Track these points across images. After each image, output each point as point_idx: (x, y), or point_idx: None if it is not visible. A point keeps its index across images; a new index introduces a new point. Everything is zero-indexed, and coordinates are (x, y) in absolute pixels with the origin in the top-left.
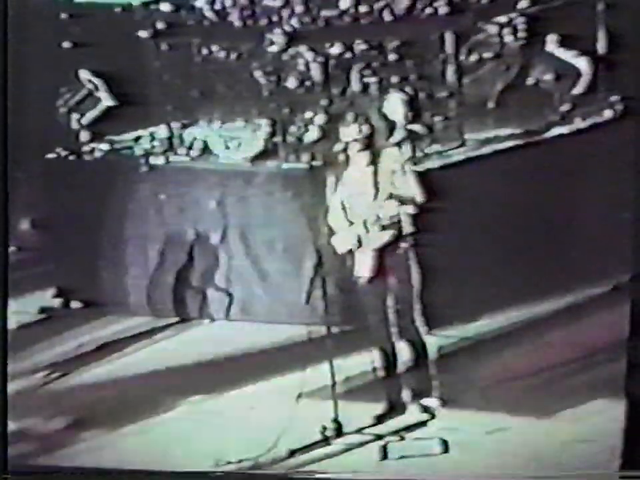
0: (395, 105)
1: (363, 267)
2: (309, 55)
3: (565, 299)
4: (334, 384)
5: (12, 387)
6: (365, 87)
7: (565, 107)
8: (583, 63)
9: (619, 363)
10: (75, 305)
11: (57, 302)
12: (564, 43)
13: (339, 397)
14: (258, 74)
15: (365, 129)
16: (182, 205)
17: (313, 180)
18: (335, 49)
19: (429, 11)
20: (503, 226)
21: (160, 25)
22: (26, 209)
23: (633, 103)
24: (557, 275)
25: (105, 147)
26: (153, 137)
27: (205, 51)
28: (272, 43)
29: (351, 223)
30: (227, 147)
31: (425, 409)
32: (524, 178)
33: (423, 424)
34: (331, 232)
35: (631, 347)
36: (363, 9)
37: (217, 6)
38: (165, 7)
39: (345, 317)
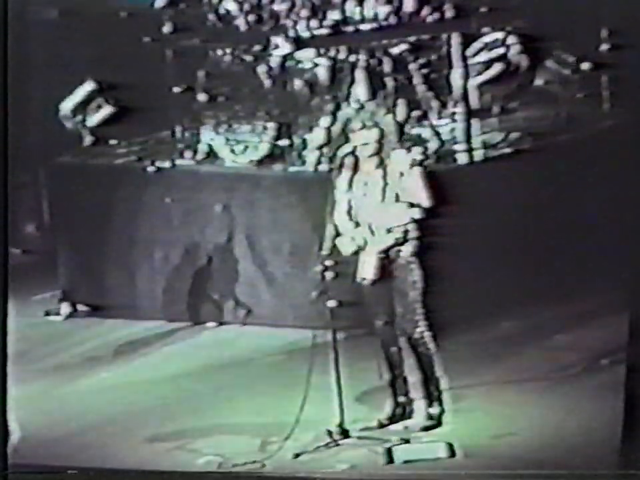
0: (401, 109)
1: (367, 269)
2: (316, 59)
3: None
4: (340, 388)
5: (16, 391)
6: (373, 91)
7: (569, 111)
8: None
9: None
10: (81, 308)
11: (63, 306)
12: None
13: (345, 400)
14: (264, 78)
15: (374, 132)
16: (188, 208)
17: (318, 183)
18: (341, 53)
19: (435, 15)
20: (507, 233)
21: (166, 30)
22: (31, 212)
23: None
24: (562, 280)
25: (109, 151)
26: (158, 141)
27: (211, 55)
28: (278, 47)
29: (357, 225)
30: (233, 151)
31: (431, 414)
32: (530, 182)
33: (429, 428)
34: (337, 234)
35: (631, 351)
36: (368, 13)
37: (222, 10)
38: (171, 12)
39: (351, 321)
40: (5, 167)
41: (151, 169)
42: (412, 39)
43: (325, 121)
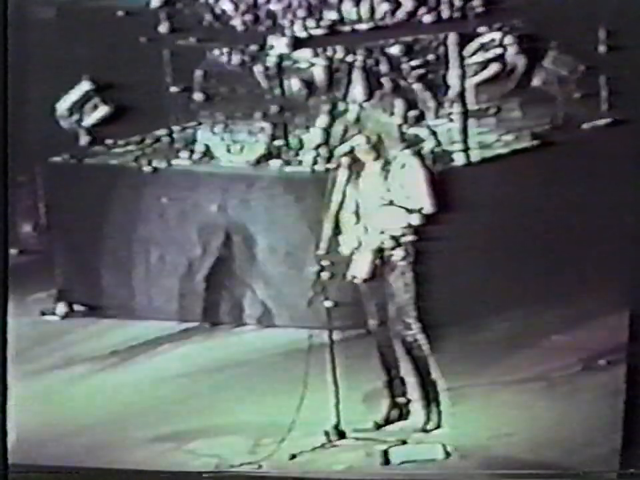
0: (399, 109)
1: (359, 268)
2: (312, 59)
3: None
4: (337, 389)
5: (16, 390)
6: (370, 91)
7: (568, 110)
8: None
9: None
10: (77, 308)
11: (59, 306)
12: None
13: (341, 401)
14: (261, 78)
15: (372, 132)
16: (184, 208)
17: (315, 183)
18: (338, 53)
19: (432, 15)
20: (505, 232)
21: (162, 29)
22: (28, 212)
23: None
24: (560, 280)
25: (106, 150)
26: (155, 140)
27: (208, 55)
28: (274, 47)
29: (356, 223)
30: (229, 151)
31: (428, 416)
32: (527, 183)
33: (426, 430)
34: (335, 233)
35: (630, 353)
36: (364, 13)
37: (218, 10)
38: (167, 11)
39: (348, 321)
40: (5, 167)
41: (147, 168)
42: (409, 39)
43: (321, 120)
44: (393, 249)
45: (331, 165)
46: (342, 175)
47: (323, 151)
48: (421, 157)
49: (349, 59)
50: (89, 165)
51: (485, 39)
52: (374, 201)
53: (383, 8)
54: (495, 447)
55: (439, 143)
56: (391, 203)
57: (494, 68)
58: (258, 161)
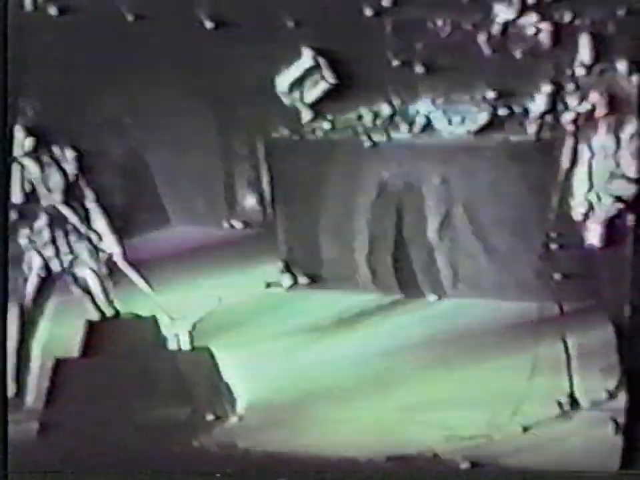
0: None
1: (593, 236)
2: (539, 24)
3: None
4: (568, 358)
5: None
6: (597, 55)
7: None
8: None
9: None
10: (301, 279)
11: (284, 277)
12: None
13: (574, 371)
14: (484, 46)
15: (605, 97)
16: (405, 181)
17: (540, 152)
18: (566, 17)
19: None
20: None
21: (385, 2)
22: (251, 186)
23: None
24: None
25: (327, 125)
26: (375, 115)
27: (429, 25)
28: (499, 14)
29: (589, 190)
30: (450, 122)
31: None
32: None
33: None
34: (564, 202)
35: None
36: None
37: None
38: None
39: (578, 293)
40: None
41: (367, 142)
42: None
43: (547, 87)
44: (624, 215)
45: (557, 133)
46: (571, 140)
47: (548, 118)
48: None
49: (577, 22)
50: (309, 140)
51: None
52: (605, 165)
53: None
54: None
55: None
56: (619, 167)
57: None
58: (480, 131)
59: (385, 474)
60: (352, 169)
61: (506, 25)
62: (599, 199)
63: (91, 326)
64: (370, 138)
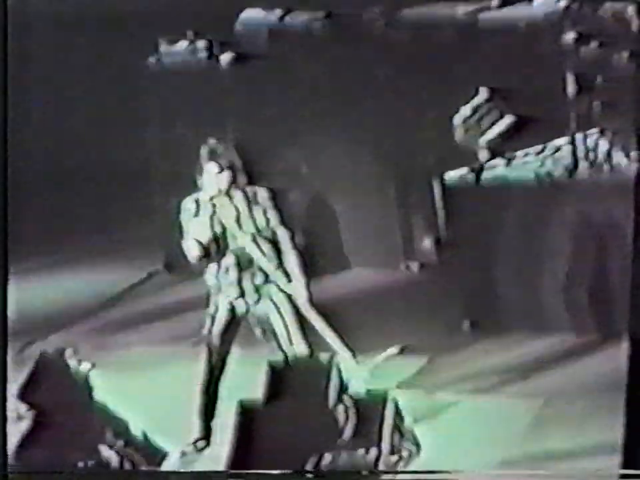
0: None
1: None
2: None
3: None
4: None
5: None
6: None
7: None
8: None
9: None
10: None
11: (464, 322)
12: None
13: None
14: None
15: None
16: (589, 219)
17: None
18: None
19: None
20: None
21: (566, 38)
22: (428, 227)
23: None
24: None
25: (501, 163)
26: (555, 150)
27: (608, 60)
28: None
29: None
30: (628, 156)
31: None
32: None
33: None
34: None
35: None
36: None
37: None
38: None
39: None
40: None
41: (546, 181)
42: None
43: None
44: None
45: None
46: None
47: None
48: None
49: None
50: (484, 179)
51: None
52: None
53: None
54: None
55: None
56: None
57: None
58: None
59: None
60: (531, 208)
61: None
62: None
63: (273, 369)
64: (549, 175)
